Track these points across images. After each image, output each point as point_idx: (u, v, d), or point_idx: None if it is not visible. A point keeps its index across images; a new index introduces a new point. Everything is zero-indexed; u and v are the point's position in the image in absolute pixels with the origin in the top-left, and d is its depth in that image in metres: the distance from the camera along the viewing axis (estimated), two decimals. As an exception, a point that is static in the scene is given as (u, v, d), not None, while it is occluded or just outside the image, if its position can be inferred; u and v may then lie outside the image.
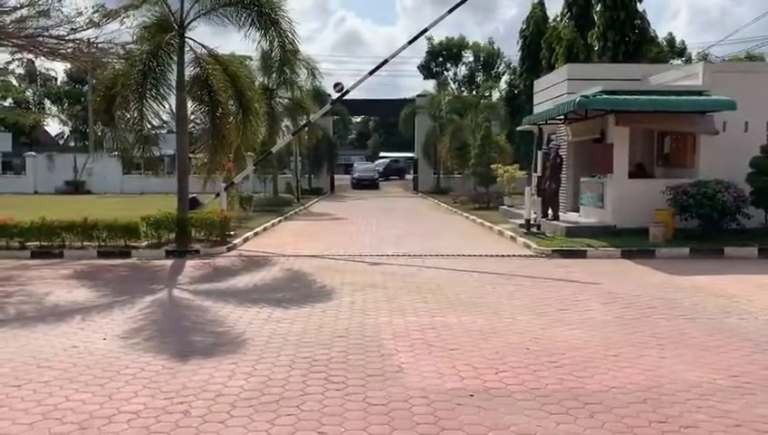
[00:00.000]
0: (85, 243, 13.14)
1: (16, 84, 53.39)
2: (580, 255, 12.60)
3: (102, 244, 13.09)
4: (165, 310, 8.14)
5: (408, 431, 4.28)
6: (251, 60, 27.49)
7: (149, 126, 13.02)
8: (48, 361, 5.82)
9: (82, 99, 55.02)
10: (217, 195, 16.45)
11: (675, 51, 54.28)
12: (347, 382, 5.23)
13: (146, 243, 13.41)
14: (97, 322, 7.36)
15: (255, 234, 16.30)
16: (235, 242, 14.11)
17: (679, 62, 50.08)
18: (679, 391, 5.03)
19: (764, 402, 4.82)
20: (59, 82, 61.00)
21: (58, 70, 59.69)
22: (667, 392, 5.02)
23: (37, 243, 13.13)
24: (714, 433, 4.25)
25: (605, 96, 14.07)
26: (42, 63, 49.17)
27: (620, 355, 6.01)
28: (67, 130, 63.85)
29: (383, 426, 4.37)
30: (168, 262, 12.24)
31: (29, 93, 58.67)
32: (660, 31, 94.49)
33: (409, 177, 55.88)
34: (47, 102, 60.57)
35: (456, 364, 5.70)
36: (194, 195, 15.96)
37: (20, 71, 50.10)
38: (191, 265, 11.83)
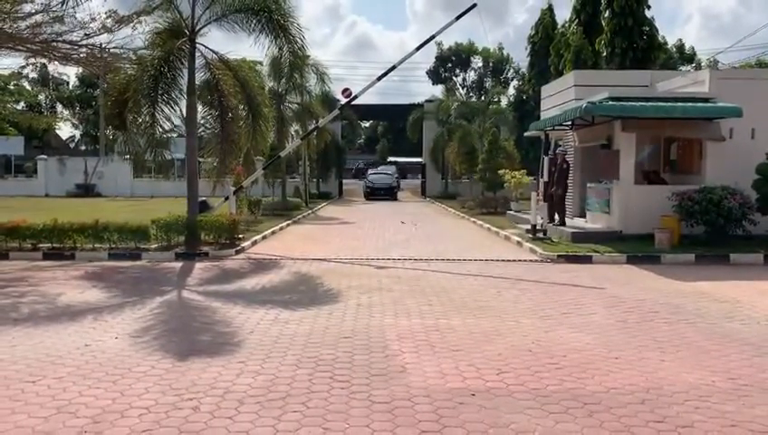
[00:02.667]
0: (96, 245, 13.33)
1: (29, 88, 54.01)
2: (586, 260, 12.68)
3: (113, 246, 13.28)
4: (174, 310, 8.29)
5: (410, 428, 4.40)
6: (261, 65, 27.83)
7: (161, 130, 13.21)
8: (61, 358, 5.98)
9: (93, 102, 55.58)
10: (227, 198, 16.65)
11: (684, 57, 54.19)
12: (351, 382, 5.36)
13: (156, 245, 13.59)
14: (108, 321, 7.53)
15: (264, 237, 16.47)
16: (243, 245, 14.27)
17: (689, 68, 50.00)
18: (677, 393, 5.13)
19: (761, 404, 4.91)
20: (71, 86, 61.65)
21: (70, 74, 60.39)
22: (665, 394, 5.11)
23: (49, 245, 13.35)
24: (709, 433, 4.35)
25: (611, 102, 14.15)
26: (55, 68, 49.76)
27: (621, 358, 6.10)
28: (78, 133, 64.52)
29: (386, 423, 4.49)
30: (178, 264, 12.41)
31: (41, 97, 59.30)
32: (672, 37, 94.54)
33: (413, 181, 54.79)
34: (59, 106, 61.19)
35: (458, 365, 5.82)
36: (203, 198, 16.15)
37: (33, 75, 50.78)
38: (200, 267, 12.00)
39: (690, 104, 14.26)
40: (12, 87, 46.74)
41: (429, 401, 4.91)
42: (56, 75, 56.94)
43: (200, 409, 4.73)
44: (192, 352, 6.21)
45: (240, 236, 15.07)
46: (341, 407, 4.79)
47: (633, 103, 14.22)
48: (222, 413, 4.65)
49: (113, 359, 5.96)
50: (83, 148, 62.79)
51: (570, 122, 16.79)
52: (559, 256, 12.89)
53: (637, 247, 13.33)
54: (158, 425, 4.43)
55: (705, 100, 14.58)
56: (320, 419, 4.56)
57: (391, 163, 57.98)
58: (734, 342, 6.74)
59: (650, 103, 14.29)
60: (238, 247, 13.89)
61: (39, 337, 6.77)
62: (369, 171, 45.17)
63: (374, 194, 38.35)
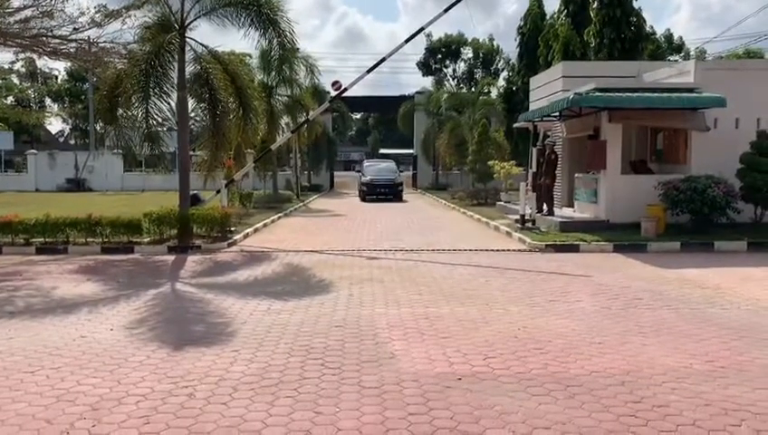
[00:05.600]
0: (89, 239, 13.43)
1: (17, 82, 53.68)
2: (573, 249, 12.88)
3: (106, 240, 13.38)
4: (168, 302, 8.43)
5: (398, 411, 4.57)
6: (250, 57, 27.83)
7: (155, 123, 13.27)
8: (59, 349, 6.11)
9: (83, 97, 55.28)
10: (218, 192, 16.74)
11: (673, 47, 54.49)
12: (342, 368, 5.52)
13: (148, 239, 13.69)
14: (104, 313, 7.65)
15: (255, 230, 16.59)
16: (235, 238, 14.39)
17: (677, 58, 50.33)
18: (656, 375, 5.32)
19: (735, 384, 5.11)
20: (59, 81, 61.29)
21: (59, 68, 60.05)
22: (644, 376, 5.31)
23: (42, 239, 13.43)
24: (683, 411, 4.54)
25: (598, 94, 14.33)
26: (45, 63, 49.44)
27: (604, 343, 6.30)
28: (67, 128, 64.24)
29: (376, 407, 4.66)
30: (171, 257, 12.53)
31: (30, 92, 58.93)
32: (661, 26, 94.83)
33: (403, 173, 53.15)
34: (48, 100, 60.83)
35: (446, 351, 5.99)
36: (195, 192, 16.25)
37: (21, 69, 50.45)
38: (193, 260, 12.12)
39: (675, 95, 14.45)
40: (0, 81, 46.45)
41: (417, 386, 5.08)
42: (45, 70, 56.62)
43: (195, 396, 4.88)
44: (187, 342, 6.35)
45: (232, 229, 15.18)
46: (332, 392, 4.95)
47: (619, 94, 14.41)
48: (216, 400, 4.80)
49: (109, 349, 6.10)
50: (73, 142, 62.53)
51: (558, 113, 16.97)
52: (547, 245, 13.09)
53: (623, 236, 13.55)
54: (154, 411, 4.58)
55: (690, 90, 14.78)
56: (311, 403, 4.72)
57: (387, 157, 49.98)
58: (714, 326, 6.95)
59: (636, 94, 14.48)
60: (230, 240, 14.02)
61: (35, 329, 6.89)
62: (365, 163, 34.97)
63: (373, 193, 30.06)
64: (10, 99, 51.24)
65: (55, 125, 65.38)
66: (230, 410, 4.62)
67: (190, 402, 4.74)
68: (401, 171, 36.07)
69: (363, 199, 30.23)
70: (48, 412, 4.57)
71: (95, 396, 4.87)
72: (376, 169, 32.41)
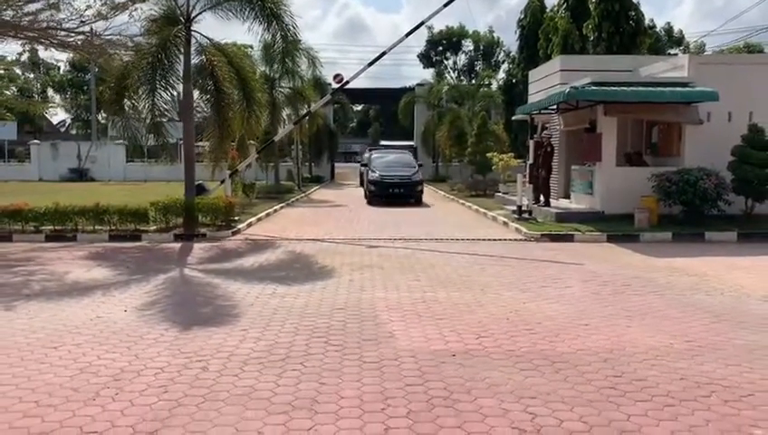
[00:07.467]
0: (97, 227, 13.81)
1: (20, 73, 53.94)
2: (568, 239, 13.26)
3: (114, 228, 13.76)
4: (178, 286, 8.82)
5: (396, 382, 4.96)
6: (252, 49, 28.12)
7: (160, 112, 13.61)
8: (77, 327, 6.50)
9: (85, 87, 55.53)
10: (222, 181, 17.11)
11: (673, 40, 54.71)
12: (345, 345, 5.91)
13: (155, 227, 14.06)
14: (116, 296, 8.04)
15: (258, 219, 16.96)
16: (239, 227, 14.77)
17: (677, 51, 50.55)
18: (637, 353, 5.71)
19: (710, 362, 5.49)
20: (62, 71, 61.51)
21: (61, 58, 60.22)
22: (626, 354, 5.69)
23: (51, 227, 13.81)
24: (659, 384, 4.93)
25: (593, 87, 14.66)
26: (51, 55, 49.61)
27: (591, 324, 6.68)
28: (69, 118, 64.50)
29: (375, 378, 5.05)
30: (177, 245, 12.91)
31: (34, 82, 59.20)
32: (663, 19, 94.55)
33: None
34: (50, 91, 61.08)
35: (442, 331, 6.38)
36: (200, 182, 16.62)
37: (25, 60, 50.72)
38: (199, 247, 12.50)
39: (669, 89, 14.78)
40: (2, 71, 46.68)
41: (414, 361, 5.46)
42: (49, 60, 56.90)
43: (209, 369, 5.27)
44: (197, 322, 6.74)
45: (236, 218, 15.56)
46: (335, 366, 5.34)
47: (614, 88, 14.74)
48: (228, 372, 5.19)
49: (125, 328, 6.48)
50: (74, 132, 62.79)
51: (555, 106, 17.30)
52: (542, 234, 13.46)
53: (617, 227, 13.92)
54: (172, 382, 4.97)
55: (684, 84, 15.11)
56: (316, 375, 5.11)
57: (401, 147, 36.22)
58: (697, 310, 7.33)
59: (631, 88, 14.81)
60: (234, 229, 14.39)
61: (53, 310, 7.28)
62: (374, 154, 26.66)
63: (383, 194, 22.67)
64: (13, 89, 51.50)
65: (58, 115, 65.65)
66: (241, 380, 5.00)
67: (204, 374, 5.13)
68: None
69: (370, 202, 23.06)
70: (74, 382, 4.95)
71: (116, 369, 5.26)
72: (386, 161, 24.62)
